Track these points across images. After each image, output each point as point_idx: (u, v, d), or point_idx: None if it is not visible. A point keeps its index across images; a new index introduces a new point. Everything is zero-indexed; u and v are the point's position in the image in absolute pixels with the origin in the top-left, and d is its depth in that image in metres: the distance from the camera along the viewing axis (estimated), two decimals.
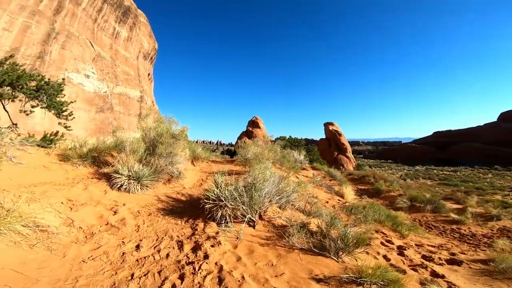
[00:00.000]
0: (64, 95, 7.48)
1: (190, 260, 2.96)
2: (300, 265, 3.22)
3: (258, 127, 56.75)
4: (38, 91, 6.68)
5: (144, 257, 3.00)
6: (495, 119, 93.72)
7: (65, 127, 7.17)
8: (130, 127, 23.16)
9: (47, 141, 6.64)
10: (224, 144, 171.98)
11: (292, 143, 27.02)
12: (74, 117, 7.37)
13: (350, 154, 57.88)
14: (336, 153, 56.42)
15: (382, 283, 2.83)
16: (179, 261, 2.95)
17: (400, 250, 5.87)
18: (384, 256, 5.14)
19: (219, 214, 3.81)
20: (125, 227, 3.62)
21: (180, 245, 3.30)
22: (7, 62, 6.64)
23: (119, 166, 5.11)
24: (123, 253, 3.04)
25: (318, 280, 2.88)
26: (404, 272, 4.37)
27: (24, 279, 2.38)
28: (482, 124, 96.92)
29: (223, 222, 3.87)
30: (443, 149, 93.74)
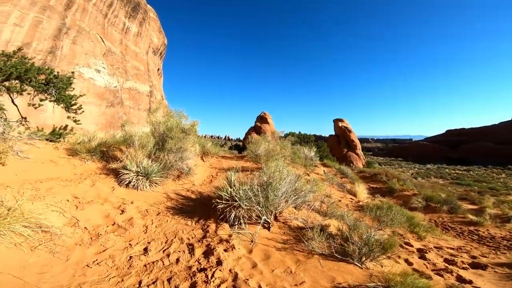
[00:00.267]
0: (73, 88, 7.34)
1: (202, 267, 2.70)
2: (321, 272, 2.91)
3: (267, 122, 56.22)
4: (47, 84, 6.55)
5: (153, 262, 2.76)
6: (509, 118, 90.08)
7: (74, 121, 7.04)
8: (140, 122, 23.24)
9: (56, 135, 6.52)
10: (232, 139, 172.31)
11: (302, 139, 26.55)
12: (83, 111, 7.23)
13: (359, 151, 56.78)
14: (346, 150, 55.46)
15: None
16: (190, 267, 2.69)
17: (421, 253, 5.56)
18: (406, 260, 4.82)
19: (233, 215, 3.54)
20: (132, 227, 3.40)
21: (191, 249, 3.05)
22: (16, 56, 6.53)
23: (127, 162, 4.91)
24: (130, 257, 2.81)
25: None
26: (429, 277, 4.05)
27: (22, 285, 2.17)
28: (496, 123, 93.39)
29: (237, 223, 3.60)
30: (455, 148, 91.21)
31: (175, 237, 3.32)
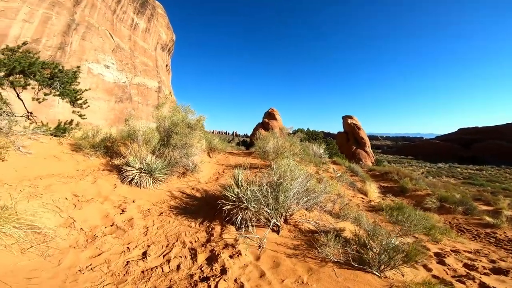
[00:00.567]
0: (79, 83, 7.22)
1: (204, 275, 2.44)
2: (336, 283, 2.62)
3: (275, 118, 55.72)
4: (51, 79, 6.44)
5: (151, 269, 2.52)
6: None
7: (80, 115, 6.92)
8: (148, 117, 23.29)
9: (60, 130, 6.41)
10: (239, 135, 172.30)
11: (310, 136, 26.05)
12: (88, 106, 7.10)
13: (369, 149, 55.69)
14: (355, 147, 54.50)
15: None
16: (191, 276, 2.44)
17: (439, 258, 5.22)
18: (425, 266, 4.48)
19: (239, 217, 3.26)
20: (132, 229, 3.17)
21: (194, 254, 2.80)
22: (20, 50, 6.43)
23: (130, 158, 4.71)
24: (127, 262, 2.58)
25: None
26: (451, 285, 3.72)
27: None
28: (511, 121, 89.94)
29: (243, 226, 3.32)
30: (467, 147, 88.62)
31: (177, 240, 3.08)
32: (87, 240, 2.86)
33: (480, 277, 4.20)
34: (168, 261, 2.65)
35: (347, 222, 4.60)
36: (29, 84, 5.91)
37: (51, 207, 3.17)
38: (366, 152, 54.78)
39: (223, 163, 8.39)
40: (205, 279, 2.39)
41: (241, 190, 3.30)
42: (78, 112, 6.81)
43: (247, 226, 3.37)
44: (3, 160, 4.05)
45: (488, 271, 4.68)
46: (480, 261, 5.50)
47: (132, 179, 4.48)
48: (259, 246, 3.06)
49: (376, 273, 2.91)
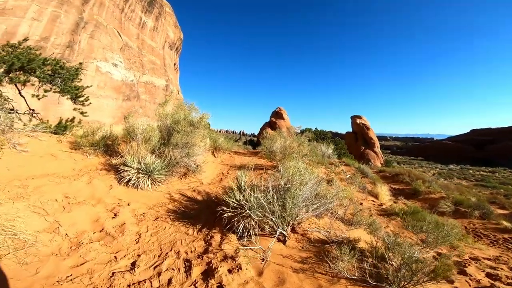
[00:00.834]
0: (81, 79, 7.05)
1: None
2: None
3: (282, 118, 55.18)
4: (53, 75, 6.28)
5: (139, 282, 2.23)
6: None
7: (81, 113, 6.75)
8: (156, 116, 23.28)
9: (61, 127, 6.25)
10: (246, 134, 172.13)
11: (318, 136, 25.50)
12: (90, 103, 6.92)
13: (378, 149, 54.55)
14: (363, 147, 53.49)
15: None
16: None
17: (460, 268, 4.84)
18: (445, 277, 4.05)
19: (241, 225, 2.94)
20: (122, 236, 2.89)
21: (188, 267, 2.49)
22: (21, 47, 6.29)
23: (128, 157, 4.45)
24: (113, 274, 2.29)
25: None
26: None
27: None
28: None
29: (246, 235, 3.00)
30: (480, 148, 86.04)
31: (171, 250, 2.78)
32: (71, 247, 2.59)
33: None
34: (159, 274, 2.36)
35: (361, 230, 4.21)
36: (28, 81, 5.76)
37: (37, 210, 2.93)
38: (375, 152, 53.73)
39: (228, 163, 8.09)
40: None
41: (243, 196, 2.97)
42: (79, 109, 6.64)
43: (250, 235, 3.04)
44: None
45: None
46: (502, 269, 5.11)
47: (129, 180, 4.22)
48: (263, 259, 2.73)
49: None
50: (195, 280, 2.31)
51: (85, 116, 6.80)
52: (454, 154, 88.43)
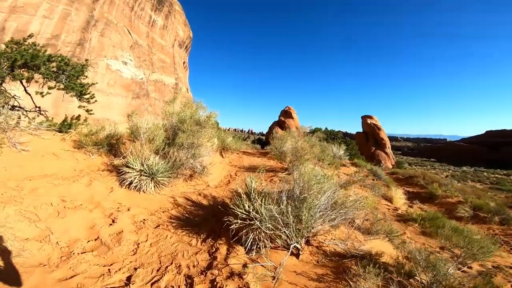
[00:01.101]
0: (86, 77, 6.90)
1: None
2: None
3: (291, 117, 54.57)
4: (58, 72, 6.14)
5: None
6: None
7: (87, 110, 6.59)
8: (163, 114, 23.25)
9: (66, 125, 6.09)
10: (255, 133, 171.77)
11: (328, 136, 24.90)
12: (96, 100, 6.75)
13: (389, 150, 53.26)
14: (374, 148, 52.36)
15: None
16: None
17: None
18: None
19: (250, 237, 2.61)
20: (119, 245, 2.62)
21: (190, 284, 2.19)
22: (26, 43, 6.17)
23: (130, 158, 4.20)
24: None
25: None
26: None
27: None
28: None
29: (255, 247, 2.67)
30: (495, 150, 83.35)
31: (171, 263, 2.48)
32: (61, 257, 2.33)
33: None
34: None
35: (380, 240, 3.82)
36: (32, 78, 5.61)
37: (29, 215, 2.69)
38: (386, 153, 52.55)
39: (236, 164, 7.78)
40: None
41: (253, 206, 2.64)
42: (84, 107, 6.48)
43: (259, 248, 2.71)
44: None
45: None
46: None
47: (131, 182, 3.97)
48: (273, 277, 2.39)
49: None
50: None
51: (91, 114, 6.64)
52: (468, 156, 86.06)
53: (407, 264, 2.81)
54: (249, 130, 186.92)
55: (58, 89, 5.89)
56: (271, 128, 52.69)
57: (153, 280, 2.24)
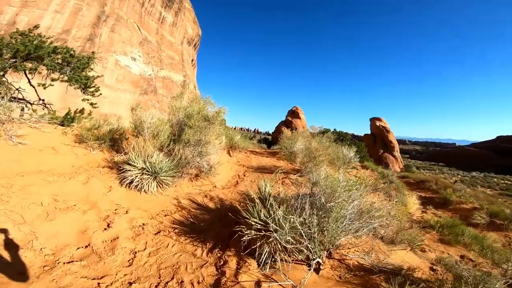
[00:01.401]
0: (92, 69, 6.65)
1: None
2: None
3: (298, 117, 53.96)
4: (62, 64, 5.90)
5: None
6: None
7: (91, 104, 6.34)
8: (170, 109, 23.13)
9: (69, 119, 5.84)
10: (261, 132, 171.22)
11: (338, 137, 24.27)
12: (100, 93, 6.50)
13: (397, 153, 52.15)
14: (382, 151, 51.38)
15: None
16: None
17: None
18: None
19: (265, 251, 2.22)
20: (112, 254, 2.27)
21: None
22: (32, 34, 5.95)
23: (132, 155, 3.87)
24: None
25: None
26: None
27: None
28: None
29: (270, 261, 2.28)
30: (507, 156, 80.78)
31: (172, 278, 2.12)
32: (44, 266, 1.99)
33: None
34: None
35: (406, 252, 3.38)
36: (35, 69, 5.37)
37: (14, 216, 2.38)
38: (394, 156, 51.51)
39: (244, 164, 7.40)
40: None
41: (269, 214, 2.24)
42: (88, 100, 6.23)
43: (275, 261, 2.32)
44: None
45: None
46: None
47: (132, 181, 3.63)
48: None
49: None
50: None
51: (95, 107, 6.39)
52: (477, 161, 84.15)
53: (447, 282, 2.38)
54: (255, 130, 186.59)
55: (61, 81, 5.65)
56: (278, 128, 52.22)
57: None
